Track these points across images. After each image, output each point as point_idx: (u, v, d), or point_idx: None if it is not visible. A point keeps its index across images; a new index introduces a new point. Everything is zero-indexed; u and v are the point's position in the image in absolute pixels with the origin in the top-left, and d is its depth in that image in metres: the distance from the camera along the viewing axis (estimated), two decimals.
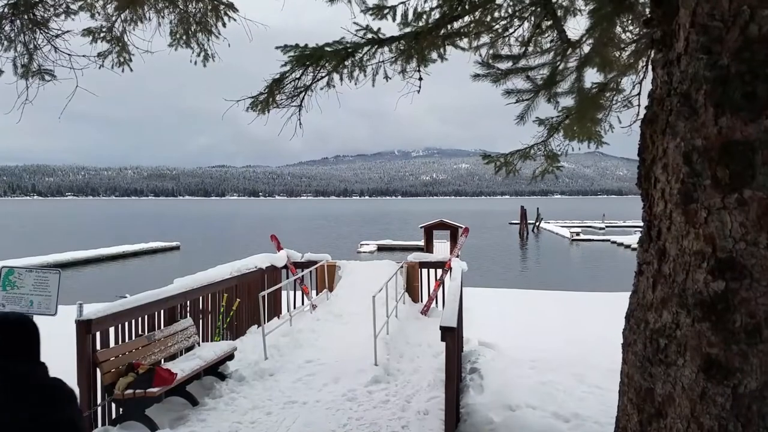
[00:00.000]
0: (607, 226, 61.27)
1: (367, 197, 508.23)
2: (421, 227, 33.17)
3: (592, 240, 47.30)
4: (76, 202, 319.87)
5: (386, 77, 4.29)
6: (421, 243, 33.50)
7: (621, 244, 42.01)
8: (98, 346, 5.47)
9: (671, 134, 1.76)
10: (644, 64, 4.65)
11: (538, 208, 64.01)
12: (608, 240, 45.70)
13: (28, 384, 1.96)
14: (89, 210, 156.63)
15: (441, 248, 30.88)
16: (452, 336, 4.90)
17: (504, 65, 4.37)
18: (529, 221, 56.62)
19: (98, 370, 5.34)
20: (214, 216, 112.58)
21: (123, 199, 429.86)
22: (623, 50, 5.36)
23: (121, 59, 4.64)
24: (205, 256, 31.71)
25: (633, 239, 43.18)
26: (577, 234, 48.45)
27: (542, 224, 61.15)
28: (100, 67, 4.59)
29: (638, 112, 4.92)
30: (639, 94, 4.86)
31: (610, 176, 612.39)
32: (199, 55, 4.71)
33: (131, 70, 4.71)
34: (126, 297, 6.37)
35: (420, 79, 4.28)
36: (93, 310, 5.49)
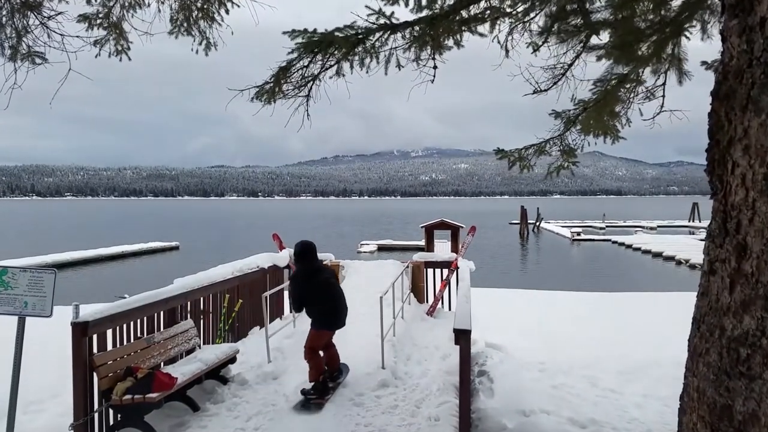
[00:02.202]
0: (607, 226, 61.12)
1: (366, 197, 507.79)
2: (421, 227, 32.83)
3: (593, 240, 47.16)
4: (75, 202, 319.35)
5: (399, 65, 4.05)
6: (422, 243, 33.19)
7: (622, 244, 41.89)
8: (95, 350, 5.23)
9: (754, 111, 1.53)
10: (669, 54, 4.41)
11: (538, 208, 63.80)
12: (609, 240, 45.61)
13: (326, 268, 6.19)
14: (88, 210, 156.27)
15: (442, 248, 30.63)
16: (467, 339, 4.67)
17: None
18: (529, 221, 56.38)
19: (95, 374, 5.11)
20: (213, 216, 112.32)
21: (122, 199, 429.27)
22: (642, 41, 5.14)
23: (119, 47, 4.39)
24: (205, 256, 31.50)
25: (634, 239, 43.09)
26: (578, 234, 48.26)
27: (542, 224, 60.95)
28: (96, 56, 4.36)
29: (662, 104, 4.69)
30: (664, 84, 4.62)
31: (609, 176, 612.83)
32: (200, 43, 4.46)
33: (129, 58, 4.46)
34: (125, 297, 6.14)
35: (434, 67, 4.03)
36: (90, 311, 5.25)
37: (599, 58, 5.31)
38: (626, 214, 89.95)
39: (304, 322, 8.53)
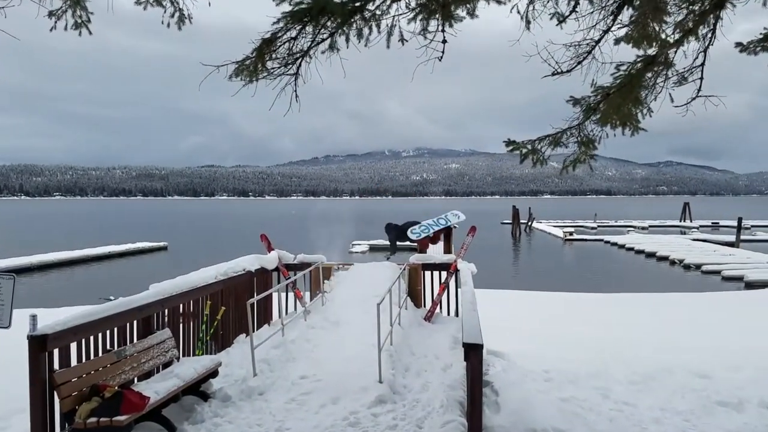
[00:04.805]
0: (599, 226, 61.03)
1: (357, 197, 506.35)
2: None
3: (586, 240, 47.05)
4: (63, 202, 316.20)
5: (402, 39, 3.49)
6: (414, 243, 32.73)
7: (615, 244, 41.78)
8: (56, 366, 4.63)
9: None
10: (710, 28, 3.87)
11: (530, 208, 63.49)
12: (601, 240, 45.55)
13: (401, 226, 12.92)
14: (77, 210, 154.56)
15: (434, 248, 30.15)
16: (478, 355, 4.12)
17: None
18: (521, 221, 56.08)
19: (56, 394, 4.51)
20: (203, 216, 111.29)
21: (111, 199, 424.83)
22: (665, 21, 4.60)
23: (77, 20, 3.81)
24: (193, 257, 30.76)
25: (627, 239, 42.90)
26: (570, 234, 48.05)
27: (534, 224, 60.68)
28: (52, 29, 3.78)
29: (699, 86, 4.14)
30: (703, 64, 4.08)
31: (599, 176, 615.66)
32: (172, 15, 3.88)
33: (90, 32, 3.88)
34: (111, 299, 5.58)
35: (444, 41, 3.48)
36: (51, 323, 4.63)
37: (617, 42, 4.78)
38: (617, 214, 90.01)
39: (293, 329, 7.95)
